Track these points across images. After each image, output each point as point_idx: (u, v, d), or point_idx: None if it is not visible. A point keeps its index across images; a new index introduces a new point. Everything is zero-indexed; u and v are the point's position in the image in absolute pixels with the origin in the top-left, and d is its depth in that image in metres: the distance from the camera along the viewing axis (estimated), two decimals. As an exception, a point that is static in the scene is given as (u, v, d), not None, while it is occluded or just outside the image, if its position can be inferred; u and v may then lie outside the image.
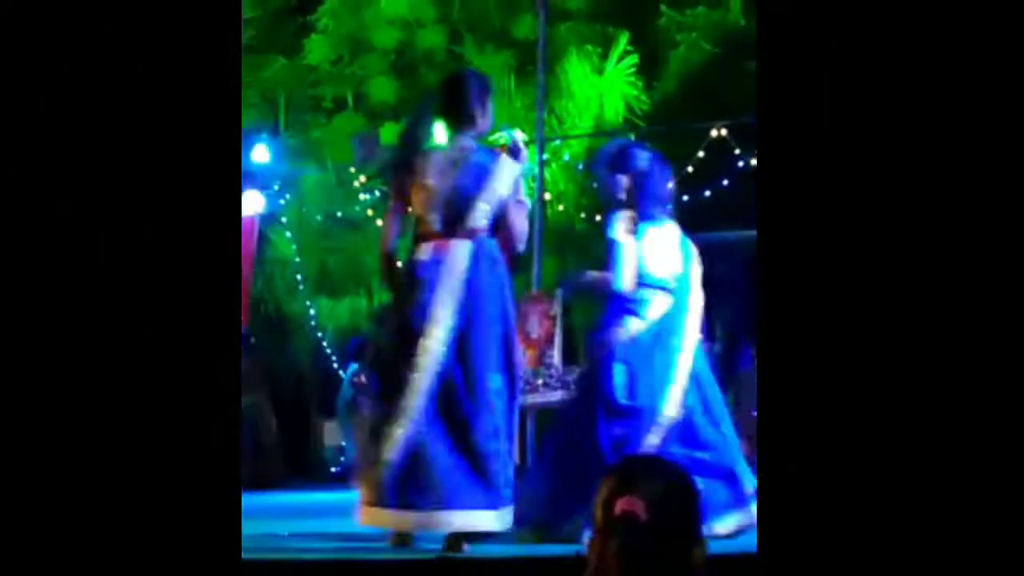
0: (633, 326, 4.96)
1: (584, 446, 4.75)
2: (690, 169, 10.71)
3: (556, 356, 8.97)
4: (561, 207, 12.14)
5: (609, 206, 5.17)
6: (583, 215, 12.00)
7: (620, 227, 5.04)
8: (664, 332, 4.99)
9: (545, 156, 10.34)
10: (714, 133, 10.76)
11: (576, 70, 12.42)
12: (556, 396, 8.24)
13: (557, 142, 12.32)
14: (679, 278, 5.16)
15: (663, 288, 5.08)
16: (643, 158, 5.26)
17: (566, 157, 12.38)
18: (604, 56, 12.47)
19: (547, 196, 10.28)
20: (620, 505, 1.88)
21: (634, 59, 12.10)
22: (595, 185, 5.24)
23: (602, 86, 12.35)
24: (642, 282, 5.03)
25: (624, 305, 5.00)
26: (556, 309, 9.80)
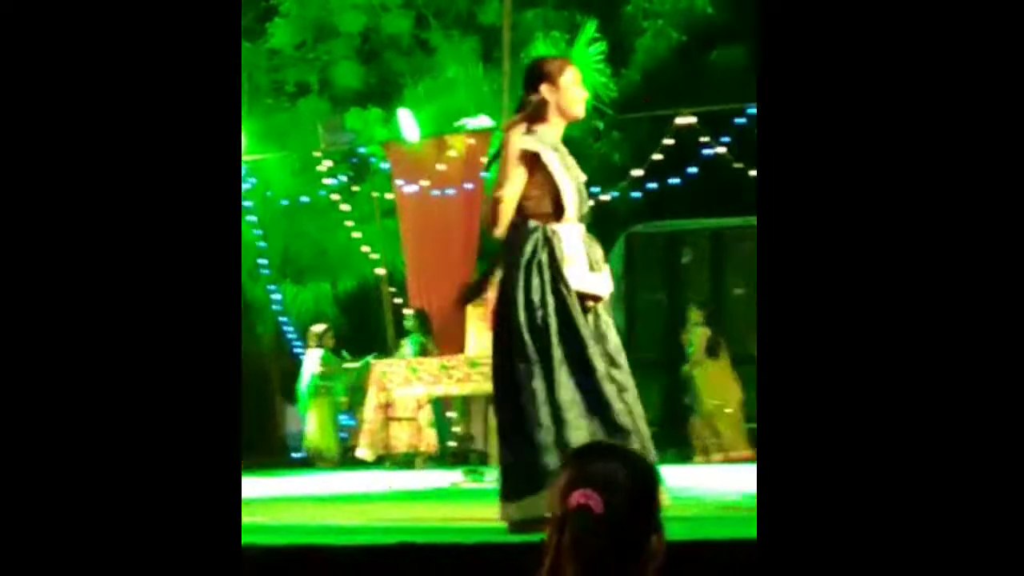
0: None
1: None
2: (658, 157, 10.71)
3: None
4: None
5: None
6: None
7: None
8: None
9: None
10: (681, 121, 10.76)
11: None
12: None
13: (523, 128, 12.25)
14: None
15: None
16: None
17: (532, 144, 12.33)
18: (571, 43, 12.45)
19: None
20: (575, 497, 1.86)
21: (602, 46, 12.09)
22: None
23: (569, 73, 12.30)
24: None
25: None
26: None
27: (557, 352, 4.66)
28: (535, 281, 4.69)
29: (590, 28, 12.27)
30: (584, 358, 4.65)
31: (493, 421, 9.90)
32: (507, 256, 4.80)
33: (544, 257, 4.70)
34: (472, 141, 11.34)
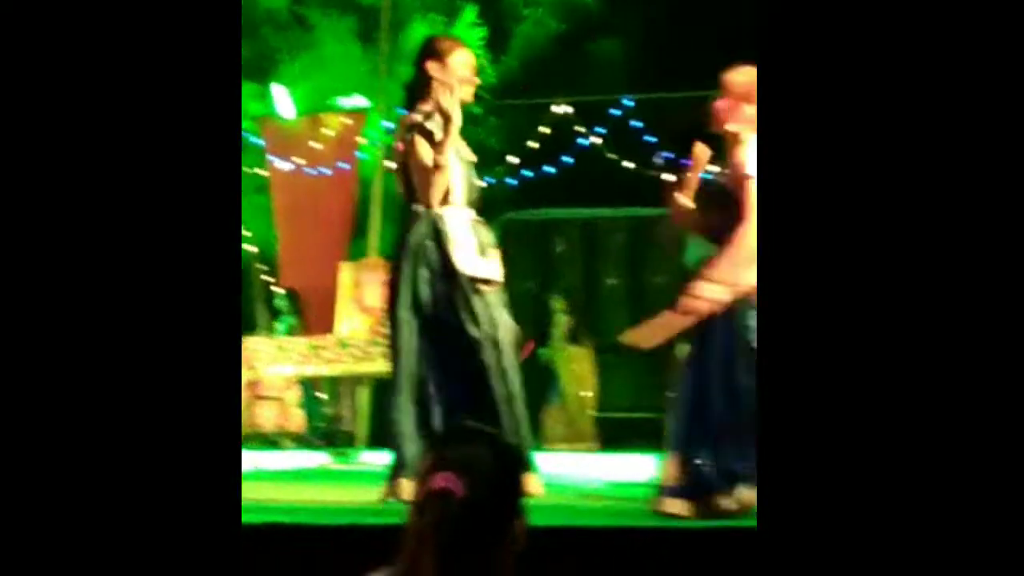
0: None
1: (724, 399, 4.56)
2: (534, 145, 10.76)
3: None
4: (403, 176, 12.06)
5: None
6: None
7: None
8: None
9: (390, 125, 10.27)
10: (558, 110, 10.83)
11: (421, 39, 12.35)
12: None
13: (400, 111, 12.21)
14: None
15: None
16: None
17: (410, 126, 12.29)
18: (450, 26, 12.42)
19: (391, 165, 10.21)
20: (436, 481, 1.87)
21: (482, 31, 12.09)
22: None
23: (448, 56, 12.29)
24: None
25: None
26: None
27: (440, 336, 4.66)
28: (422, 265, 4.67)
29: (470, 12, 12.26)
30: (468, 343, 4.66)
31: (361, 402, 9.86)
32: (396, 240, 4.79)
33: (430, 242, 4.69)
34: (348, 120, 11.26)
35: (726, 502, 4.29)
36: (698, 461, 4.47)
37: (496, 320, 4.74)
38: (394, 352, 4.78)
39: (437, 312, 4.66)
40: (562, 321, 10.72)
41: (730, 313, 4.53)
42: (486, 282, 4.79)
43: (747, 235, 4.55)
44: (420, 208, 4.68)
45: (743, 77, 4.78)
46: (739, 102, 4.71)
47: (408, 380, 4.71)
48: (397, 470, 4.60)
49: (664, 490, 4.50)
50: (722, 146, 4.80)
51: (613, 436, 10.51)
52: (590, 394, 10.64)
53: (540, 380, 10.56)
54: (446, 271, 4.68)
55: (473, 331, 4.67)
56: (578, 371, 10.67)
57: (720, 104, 4.77)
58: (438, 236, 4.67)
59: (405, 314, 4.68)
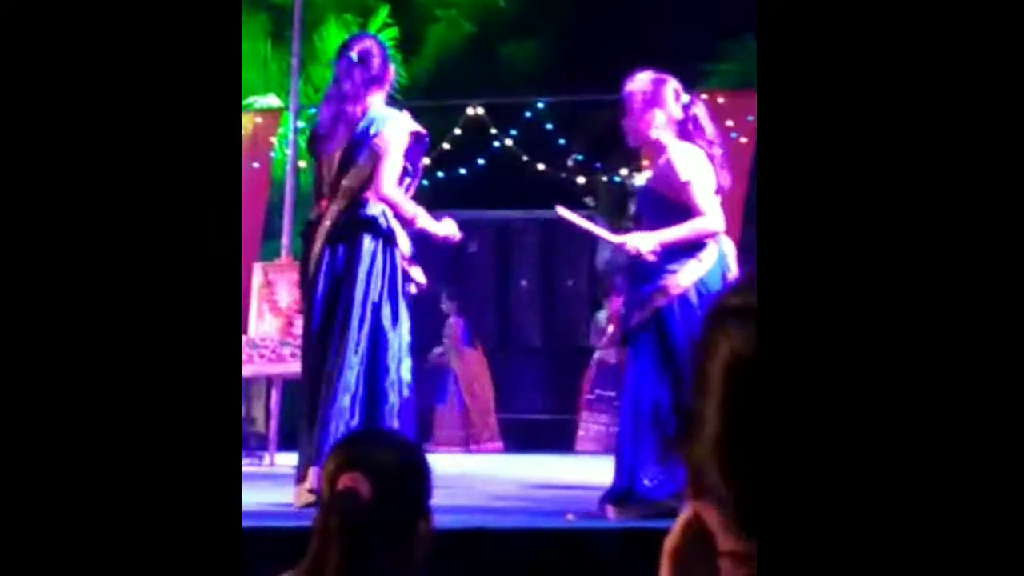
0: (696, 267, 4.63)
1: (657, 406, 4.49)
2: (447, 146, 10.77)
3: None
4: (315, 176, 12.01)
5: None
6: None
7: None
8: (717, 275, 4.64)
9: (300, 124, 10.20)
10: (471, 112, 10.84)
11: (335, 39, 12.28)
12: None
13: (314, 110, 12.17)
14: None
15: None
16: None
17: (322, 126, 12.24)
18: (363, 27, 12.38)
19: (301, 164, 10.14)
20: (342, 481, 1.88)
21: (394, 32, 12.07)
22: None
23: (361, 57, 12.27)
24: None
25: (690, 247, 4.67)
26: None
27: (359, 337, 4.66)
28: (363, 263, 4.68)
29: (383, 13, 12.24)
30: (387, 344, 4.66)
31: (273, 404, 9.79)
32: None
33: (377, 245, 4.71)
34: (259, 120, 11.17)
35: (672, 504, 4.23)
36: (641, 465, 4.47)
37: (406, 323, 4.77)
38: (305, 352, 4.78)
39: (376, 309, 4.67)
40: (451, 324, 10.65)
41: (661, 315, 4.54)
42: (418, 284, 4.82)
43: (697, 226, 4.57)
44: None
45: (641, 85, 4.78)
46: (645, 111, 4.72)
47: (316, 382, 4.71)
48: (305, 470, 4.59)
49: (607, 495, 4.50)
50: (637, 154, 4.85)
51: (521, 438, 10.53)
52: (487, 395, 10.63)
53: (434, 382, 10.52)
54: (390, 271, 4.73)
55: (393, 333, 4.69)
56: (474, 374, 10.64)
57: (628, 121, 4.78)
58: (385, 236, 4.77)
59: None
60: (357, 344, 4.63)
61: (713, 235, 4.65)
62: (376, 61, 4.89)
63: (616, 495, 4.52)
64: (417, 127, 4.93)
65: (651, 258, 4.60)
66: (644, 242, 4.62)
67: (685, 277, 4.57)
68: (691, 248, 4.61)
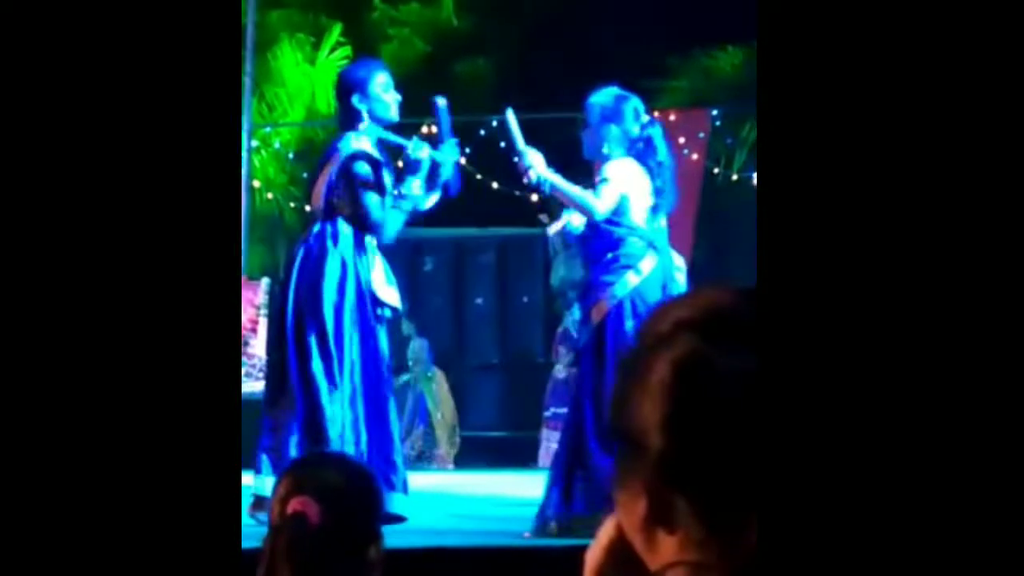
0: (631, 280, 4.64)
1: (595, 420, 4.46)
2: (399, 165, 10.75)
3: (259, 346, 8.86)
4: (270, 195, 11.99)
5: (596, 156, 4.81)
6: (292, 204, 11.88)
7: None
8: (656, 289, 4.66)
9: (254, 143, 10.18)
10: (424, 130, 10.84)
11: (288, 58, 12.28)
12: (259, 387, 8.15)
13: (267, 129, 12.15)
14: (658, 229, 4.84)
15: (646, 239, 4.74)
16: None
17: (276, 145, 12.23)
18: (317, 46, 12.38)
19: (256, 184, 10.12)
20: (292, 505, 1.89)
21: (347, 51, 12.08)
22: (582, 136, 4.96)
23: (315, 76, 12.27)
24: (631, 229, 4.72)
25: (619, 258, 4.68)
26: (262, 298, 9.67)
27: (332, 363, 4.65)
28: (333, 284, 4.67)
29: (335, 32, 12.24)
30: (362, 368, 4.66)
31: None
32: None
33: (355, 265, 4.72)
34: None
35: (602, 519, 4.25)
36: (579, 481, 4.48)
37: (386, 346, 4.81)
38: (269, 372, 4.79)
39: (345, 332, 4.68)
40: (415, 346, 10.64)
41: (598, 330, 4.57)
42: (393, 308, 4.84)
43: (586, 198, 4.61)
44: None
45: (603, 99, 4.84)
46: (602, 125, 4.76)
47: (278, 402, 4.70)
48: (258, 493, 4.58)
49: (546, 513, 4.50)
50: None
51: (478, 455, 10.52)
52: (451, 414, 10.63)
53: (399, 402, 10.47)
54: (360, 291, 4.73)
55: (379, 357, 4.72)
56: (440, 393, 10.64)
57: (585, 133, 4.83)
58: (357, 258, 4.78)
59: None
60: (329, 369, 4.63)
61: (589, 214, 4.69)
62: None
63: (550, 513, 4.54)
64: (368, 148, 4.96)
65: (532, 176, 4.63)
66: (538, 166, 4.74)
67: (620, 288, 4.61)
68: (628, 261, 4.65)
